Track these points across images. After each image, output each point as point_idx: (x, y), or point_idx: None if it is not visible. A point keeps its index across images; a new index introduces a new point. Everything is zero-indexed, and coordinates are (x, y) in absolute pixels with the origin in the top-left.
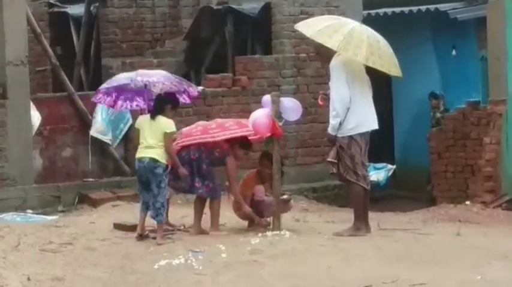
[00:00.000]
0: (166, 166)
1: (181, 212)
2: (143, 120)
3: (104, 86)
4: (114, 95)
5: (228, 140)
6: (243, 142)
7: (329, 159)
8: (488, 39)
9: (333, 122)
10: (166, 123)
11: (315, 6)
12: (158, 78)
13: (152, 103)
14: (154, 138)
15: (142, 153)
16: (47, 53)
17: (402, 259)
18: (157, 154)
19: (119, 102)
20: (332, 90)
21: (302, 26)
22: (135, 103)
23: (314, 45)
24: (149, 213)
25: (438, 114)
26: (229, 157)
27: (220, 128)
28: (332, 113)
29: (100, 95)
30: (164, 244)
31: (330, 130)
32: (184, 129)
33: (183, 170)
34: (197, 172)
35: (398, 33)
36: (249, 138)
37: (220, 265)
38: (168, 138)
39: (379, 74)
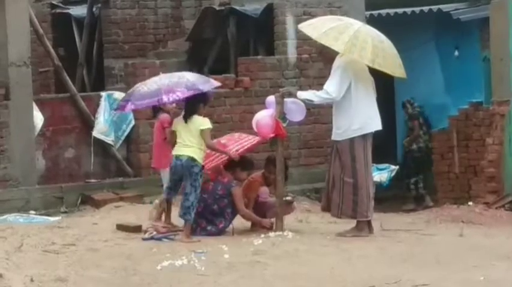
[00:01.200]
0: (202, 166)
1: None
2: (179, 123)
3: (131, 107)
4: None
5: (226, 168)
6: (243, 165)
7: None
8: (491, 40)
9: (313, 98)
10: (201, 122)
11: (317, 7)
12: (183, 93)
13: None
14: (192, 138)
15: (180, 151)
16: (50, 54)
17: (405, 260)
18: (195, 153)
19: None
20: (328, 80)
21: (306, 27)
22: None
23: (317, 45)
24: (178, 212)
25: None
26: (233, 188)
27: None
28: (320, 92)
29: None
30: (189, 242)
31: (301, 93)
32: None
33: (234, 154)
34: (213, 215)
35: (400, 34)
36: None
37: (223, 266)
38: (206, 134)
39: (381, 74)
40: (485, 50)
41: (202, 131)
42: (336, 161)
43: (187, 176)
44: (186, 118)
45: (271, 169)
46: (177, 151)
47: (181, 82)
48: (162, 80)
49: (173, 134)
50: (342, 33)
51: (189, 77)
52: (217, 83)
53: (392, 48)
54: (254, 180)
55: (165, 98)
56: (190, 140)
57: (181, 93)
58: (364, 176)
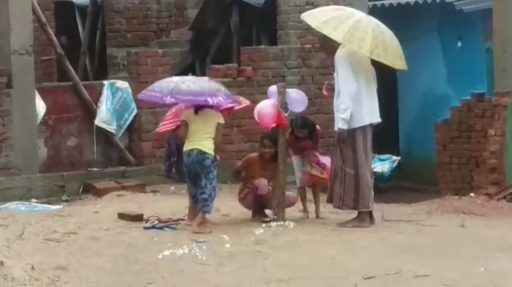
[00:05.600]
0: (215, 157)
1: (185, 202)
2: (190, 114)
3: (171, 100)
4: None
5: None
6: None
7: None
8: (494, 30)
9: (344, 115)
10: (218, 115)
11: None
12: (224, 100)
13: None
14: (202, 131)
15: (190, 146)
16: (52, 42)
17: (406, 251)
18: (205, 145)
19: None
20: (338, 82)
21: (308, 16)
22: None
23: (319, 36)
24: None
25: None
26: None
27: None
28: (340, 107)
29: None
30: (201, 233)
31: (341, 125)
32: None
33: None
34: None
35: (403, 24)
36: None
37: (224, 256)
38: (220, 129)
39: (383, 65)
40: (488, 41)
41: (219, 124)
42: (337, 152)
43: (200, 170)
44: (198, 110)
45: (266, 143)
46: (188, 145)
47: (219, 89)
48: (199, 82)
49: (187, 125)
50: (342, 23)
51: (216, 86)
52: (242, 104)
53: (393, 39)
54: (251, 163)
55: (209, 100)
56: (202, 133)
57: (223, 99)
58: (365, 167)
